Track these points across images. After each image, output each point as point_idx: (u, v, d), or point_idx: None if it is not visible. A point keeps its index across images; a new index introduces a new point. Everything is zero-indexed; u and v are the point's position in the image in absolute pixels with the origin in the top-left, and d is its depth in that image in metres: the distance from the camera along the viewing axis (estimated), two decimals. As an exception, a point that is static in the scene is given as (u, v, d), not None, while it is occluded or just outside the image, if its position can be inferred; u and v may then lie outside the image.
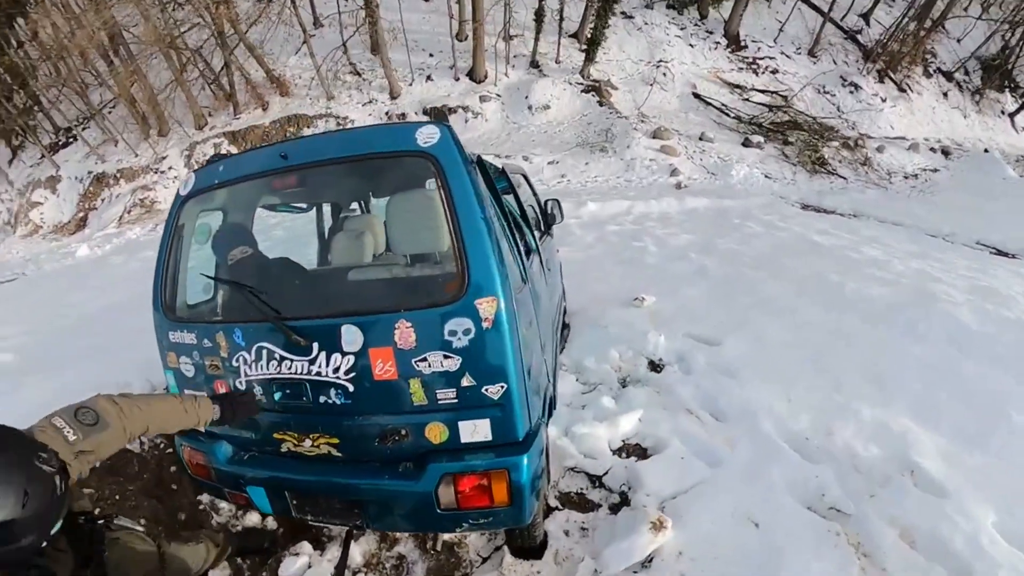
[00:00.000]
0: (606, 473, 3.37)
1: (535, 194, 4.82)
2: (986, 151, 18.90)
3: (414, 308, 2.13)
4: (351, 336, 2.16)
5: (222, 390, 2.47)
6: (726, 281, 6.47)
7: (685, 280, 6.56)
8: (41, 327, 6.82)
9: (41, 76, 19.65)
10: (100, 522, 1.80)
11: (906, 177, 16.57)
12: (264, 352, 2.33)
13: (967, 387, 3.94)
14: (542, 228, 4.61)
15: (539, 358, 2.67)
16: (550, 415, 3.08)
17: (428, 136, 2.18)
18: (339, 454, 2.37)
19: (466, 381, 2.12)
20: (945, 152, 18.25)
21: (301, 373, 2.27)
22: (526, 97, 17.90)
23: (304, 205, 3.97)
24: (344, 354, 2.19)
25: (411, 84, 18.35)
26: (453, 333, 2.07)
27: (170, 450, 3.71)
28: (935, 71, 21.74)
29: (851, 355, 4.49)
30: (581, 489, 3.29)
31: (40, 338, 6.29)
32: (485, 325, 2.06)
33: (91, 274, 10.12)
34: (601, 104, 17.80)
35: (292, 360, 2.28)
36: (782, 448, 3.37)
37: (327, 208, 4.26)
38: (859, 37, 21.78)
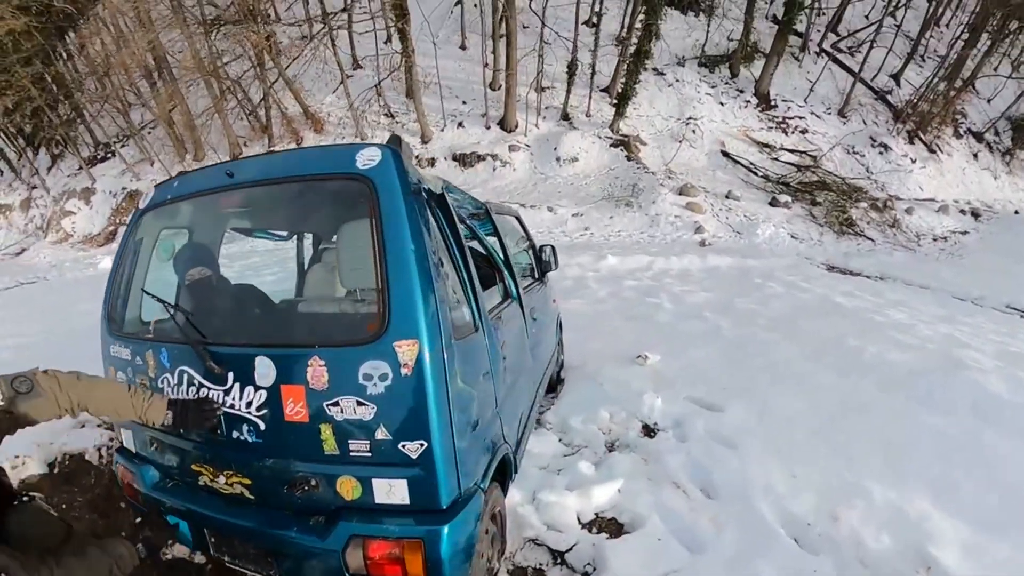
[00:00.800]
0: (570, 549, 2.98)
1: (530, 239, 4.62)
2: (1016, 212, 18.36)
3: (328, 344, 1.92)
4: (264, 369, 1.97)
5: None
6: (739, 342, 6.18)
7: (696, 340, 6.27)
8: (49, 331, 7.00)
9: (86, 90, 20.58)
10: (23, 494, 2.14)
11: (935, 239, 16.06)
12: (185, 376, 2.20)
13: (994, 464, 3.59)
14: (535, 275, 4.40)
15: (491, 414, 2.40)
16: (508, 478, 2.80)
17: (368, 158, 1.99)
18: (251, 496, 2.16)
19: (381, 433, 1.87)
20: (975, 214, 17.70)
21: (216, 403, 2.10)
22: (555, 148, 17.98)
23: (284, 233, 3.87)
24: (257, 388, 2.00)
25: (442, 130, 18.64)
26: (368, 377, 1.84)
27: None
28: (965, 132, 21.28)
29: (866, 426, 4.15)
30: (540, 565, 2.92)
31: (46, 340, 6.43)
32: (404, 371, 1.82)
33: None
34: (629, 159, 17.77)
35: (209, 389, 2.12)
36: (778, 534, 2.98)
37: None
38: (889, 97, 21.51)
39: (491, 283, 3.17)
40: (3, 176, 20.92)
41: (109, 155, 19.73)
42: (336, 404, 1.88)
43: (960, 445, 3.86)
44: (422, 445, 1.86)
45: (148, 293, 2.36)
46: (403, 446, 1.87)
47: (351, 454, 1.92)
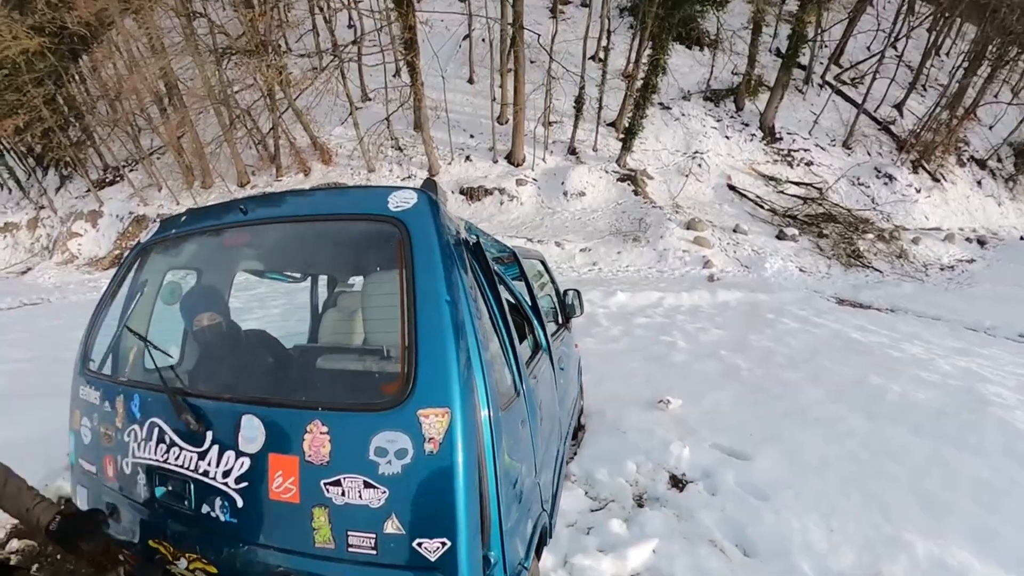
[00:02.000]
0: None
1: (554, 282, 4.43)
2: (1022, 238, 18.37)
3: (334, 407, 1.60)
4: (251, 431, 1.65)
5: (110, 471, 2.03)
6: (759, 383, 6.07)
7: (715, 381, 6.14)
8: (47, 356, 7.03)
9: (97, 113, 20.75)
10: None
11: (942, 269, 16.03)
12: (156, 431, 1.87)
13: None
14: (559, 321, 4.29)
15: (531, 483, 2.11)
16: (544, 544, 2.51)
17: (401, 200, 1.78)
18: None
19: (391, 526, 1.51)
20: (980, 242, 17.75)
21: (187, 467, 1.76)
22: (562, 183, 17.94)
23: (298, 274, 3.65)
24: (239, 454, 1.66)
25: (450, 163, 18.64)
26: (382, 452, 1.50)
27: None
28: (968, 159, 21.41)
29: (899, 472, 4.10)
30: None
31: (41, 365, 6.47)
32: (429, 448, 1.48)
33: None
34: (636, 193, 17.76)
35: (180, 449, 1.79)
36: (822, 594, 2.81)
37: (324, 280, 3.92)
38: (892, 128, 21.66)
39: (522, 336, 3.03)
40: (11, 195, 21.04)
41: (117, 179, 19.80)
42: (337, 484, 1.54)
43: (995, 489, 3.86)
44: (444, 544, 1.49)
45: (129, 329, 2.10)
46: (419, 544, 1.50)
47: (350, 549, 1.55)
